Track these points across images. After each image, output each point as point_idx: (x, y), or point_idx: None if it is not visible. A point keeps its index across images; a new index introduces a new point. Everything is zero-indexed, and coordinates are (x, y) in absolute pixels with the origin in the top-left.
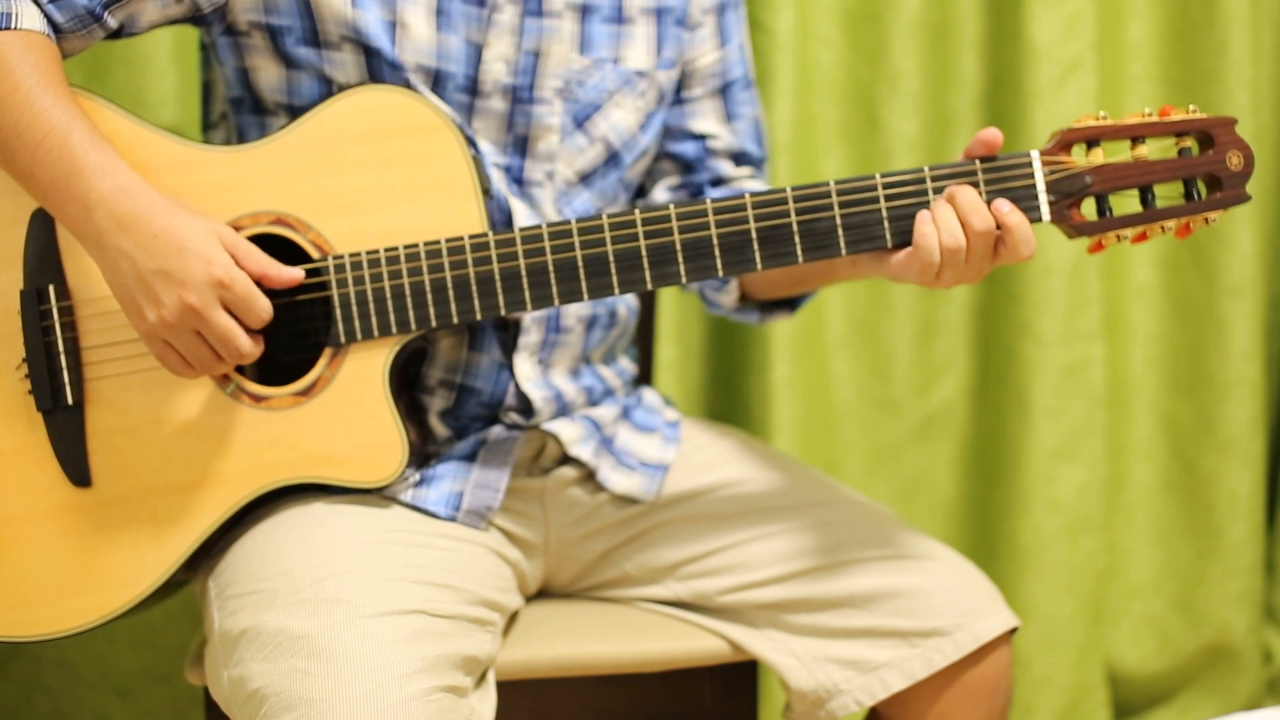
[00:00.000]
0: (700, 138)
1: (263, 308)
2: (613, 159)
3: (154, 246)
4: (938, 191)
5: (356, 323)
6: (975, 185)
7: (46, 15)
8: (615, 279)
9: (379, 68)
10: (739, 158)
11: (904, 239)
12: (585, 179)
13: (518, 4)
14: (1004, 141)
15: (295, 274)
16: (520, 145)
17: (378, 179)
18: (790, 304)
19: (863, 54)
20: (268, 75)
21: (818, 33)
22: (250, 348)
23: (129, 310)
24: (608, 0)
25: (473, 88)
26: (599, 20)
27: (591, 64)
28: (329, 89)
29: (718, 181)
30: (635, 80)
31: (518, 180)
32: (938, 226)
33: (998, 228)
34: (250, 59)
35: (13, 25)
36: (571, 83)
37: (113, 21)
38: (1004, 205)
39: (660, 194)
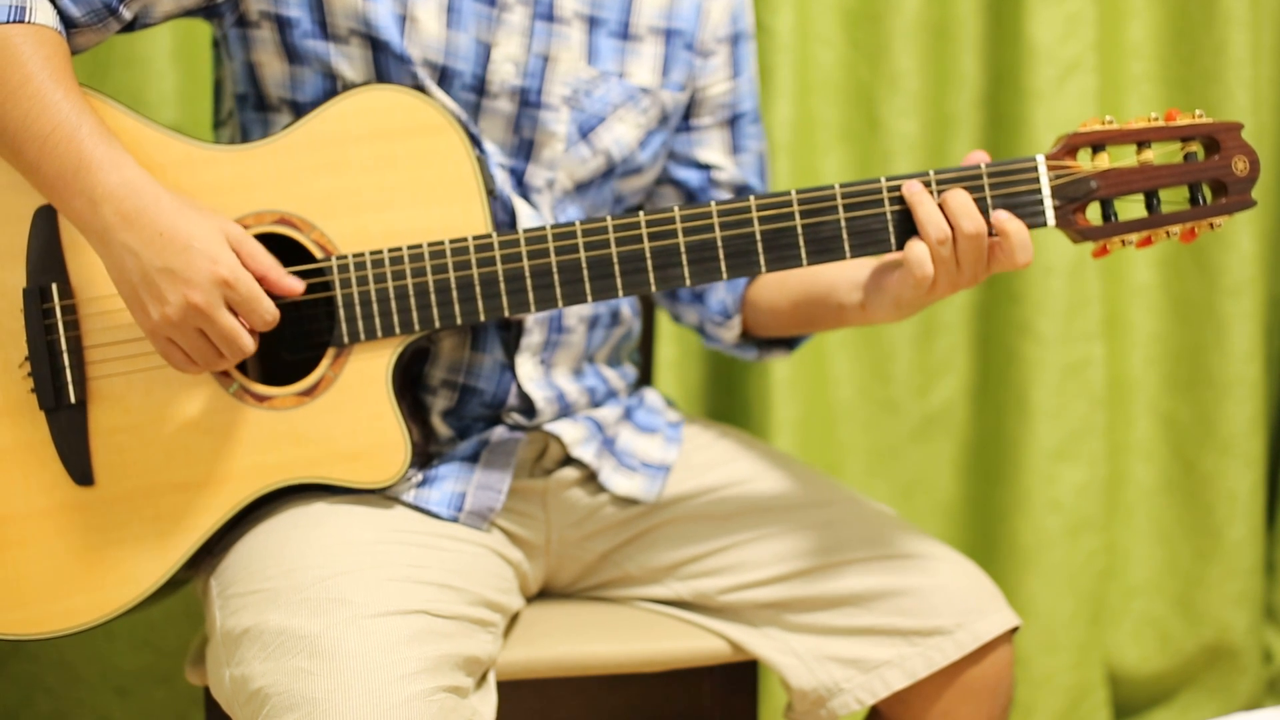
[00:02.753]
0: (705, 167)
1: (266, 309)
2: (611, 173)
3: (159, 244)
4: (944, 195)
5: (360, 323)
6: (980, 190)
7: (61, 10)
8: (619, 281)
9: (386, 63)
10: (741, 191)
11: (907, 241)
12: (581, 189)
13: (528, 6)
14: (1005, 142)
15: (295, 285)
16: (525, 149)
17: (382, 179)
18: (789, 343)
19: (863, 54)
20: (272, 70)
21: (818, 33)
22: (254, 347)
23: (133, 307)
24: (615, 15)
25: (480, 87)
26: (605, 33)
27: (599, 75)
28: (333, 85)
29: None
30: (639, 96)
31: (519, 184)
32: (922, 225)
33: (993, 234)
34: (256, 53)
35: (27, 19)
36: (579, 92)
37: (128, 14)
38: (1002, 214)
39: None
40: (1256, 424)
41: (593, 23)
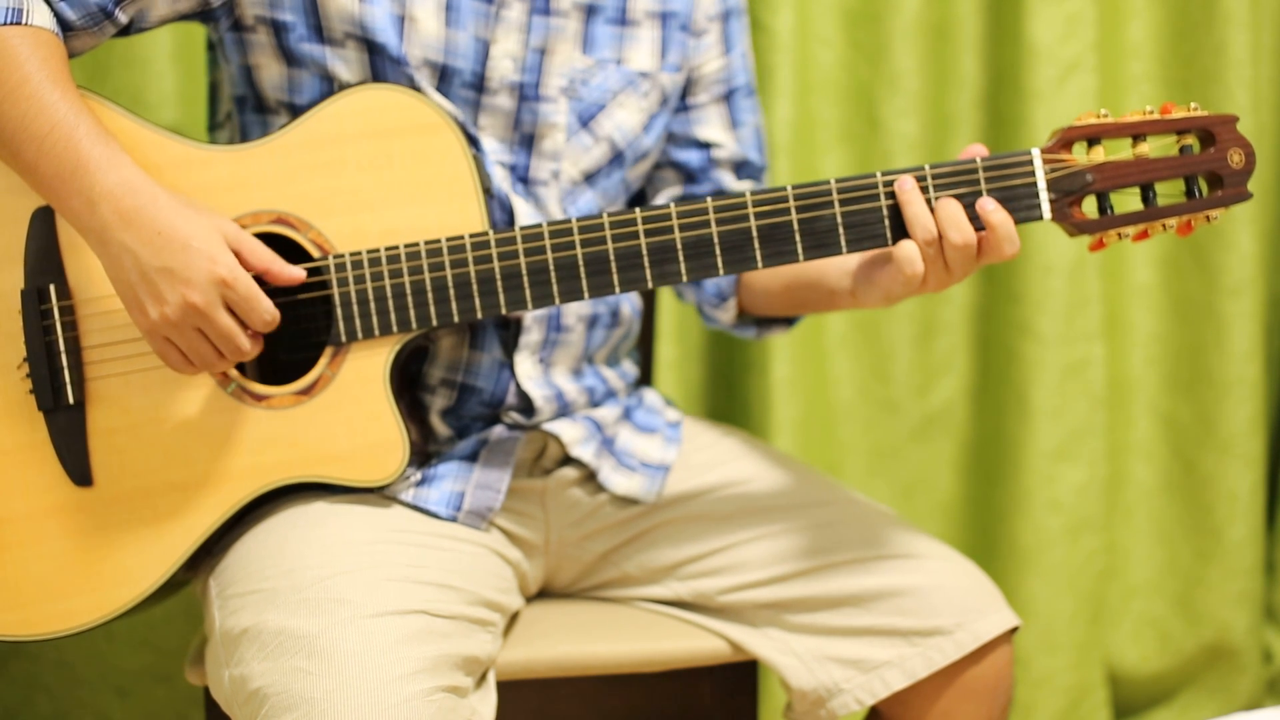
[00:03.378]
0: (705, 146)
1: (265, 308)
2: (617, 159)
3: (158, 243)
4: (939, 189)
5: (357, 322)
6: (976, 183)
7: (57, 13)
8: (616, 277)
9: (382, 65)
10: (741, 167)
11: (904, 236)
12: (590, 178)
13: (526, 1)
14: (1005, 142)
15: (297, 272)
16: (526, 143)
17: (378, 178)
18: (787, 320)
19: (863, 54)
20: (270, 73)
21: (818, 33)
22: (251, 347)
23: (131, 307)
24: (612, 2)
25: (479, 84)
26: (603, 21)
27: (595, 64)
28: (330, 87)
29: (719, 195)
30: (638, 81)
31: (523, 179)
32: (910, 225)
33: (980, 228)
34: (253, 56)
35: (23, 20)
36: (575, 82)
37: (123, 17)
38: (988, 204)
39: (661, 202)
40: (1256, 424)
41: (590, 11)
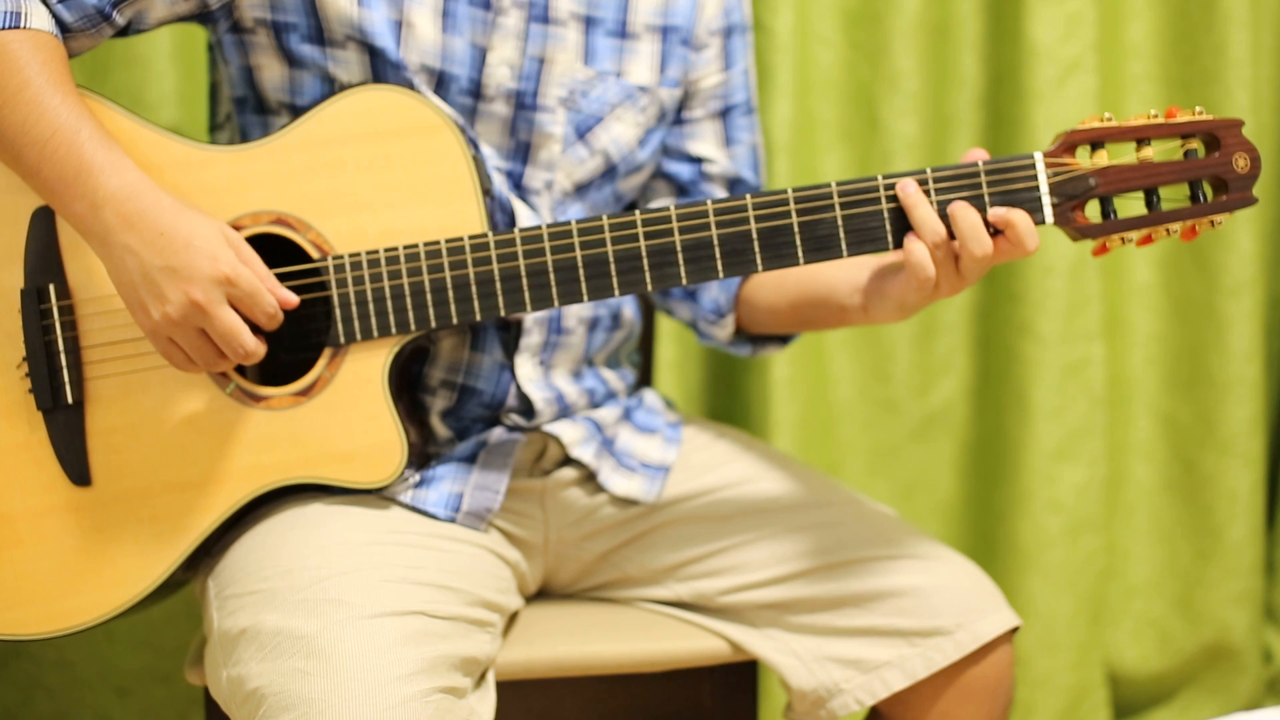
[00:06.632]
0: (696, 160)
1: (269, 302)
2: (610, 172)
3: (160, 243)
4: (940, 192)
5: (356, 323)
6: (978, 187)
7: (55, 15)
8: (615, 280)
9: (382, 68)
10: (734, 185)
11: (905, 240)
12: (580, 190)
13: (523, 9)
14: (1005, 142)
15: (289, 297)
16: (522, 152)
17: (378, 179)
18: (783, 338)
19: (863, 54)
20: (271, 74)
21: (818, 33)
22: (255, 345)
23: (134, 308)
24: (612, 14)
25: (476, 91)
26: (602, 33)
27: (595, 75)
28: (332, 88)
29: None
30: (637, 95)
31: (517, 186)
32: (919, 228)
33: (996, 232)
34: (254, 57)
35: (22, 24)
36: (575, 93)
37: (121, 19)
38: (1000, 209)
39: None
40: (1256, 424)
41: (589, 23)
